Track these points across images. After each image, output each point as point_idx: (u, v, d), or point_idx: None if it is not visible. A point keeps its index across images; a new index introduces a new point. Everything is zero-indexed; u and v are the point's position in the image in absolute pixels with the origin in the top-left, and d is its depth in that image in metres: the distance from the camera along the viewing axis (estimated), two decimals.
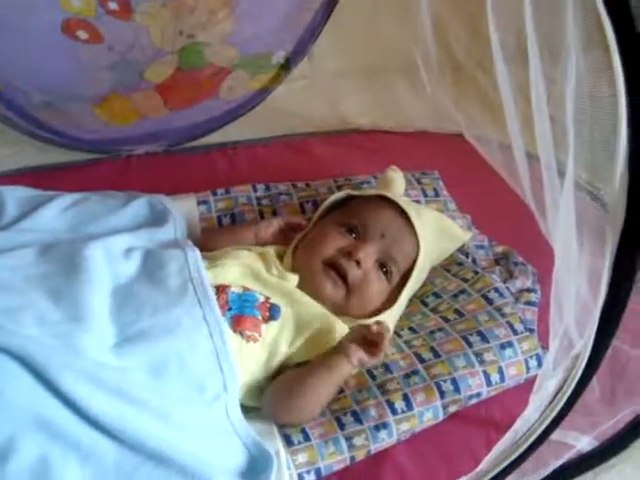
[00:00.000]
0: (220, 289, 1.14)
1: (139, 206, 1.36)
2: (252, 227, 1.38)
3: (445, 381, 1.17)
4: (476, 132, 1.61)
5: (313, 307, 1.20)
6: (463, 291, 1.34)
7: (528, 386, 1.01)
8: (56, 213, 1.28)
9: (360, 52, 1.87)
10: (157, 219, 1.34)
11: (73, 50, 1.41)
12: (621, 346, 1.01)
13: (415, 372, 1.19)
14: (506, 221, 1.52)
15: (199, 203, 1.50)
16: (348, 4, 1.65)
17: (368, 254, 1.24)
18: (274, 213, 1.50)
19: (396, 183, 1.43)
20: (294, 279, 1.23)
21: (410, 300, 1.34)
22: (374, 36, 1.79)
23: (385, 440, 1.11)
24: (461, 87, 1.75)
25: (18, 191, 1.32)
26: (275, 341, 1.14)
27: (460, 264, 1.41)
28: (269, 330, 1.14)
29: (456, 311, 1.30)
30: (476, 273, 1.37)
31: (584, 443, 1.06)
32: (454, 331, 1.25)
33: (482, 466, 1.00)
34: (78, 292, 1.04)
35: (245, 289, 1.17)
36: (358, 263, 1.23)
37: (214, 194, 1.52)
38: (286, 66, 1.70)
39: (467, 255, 1.44)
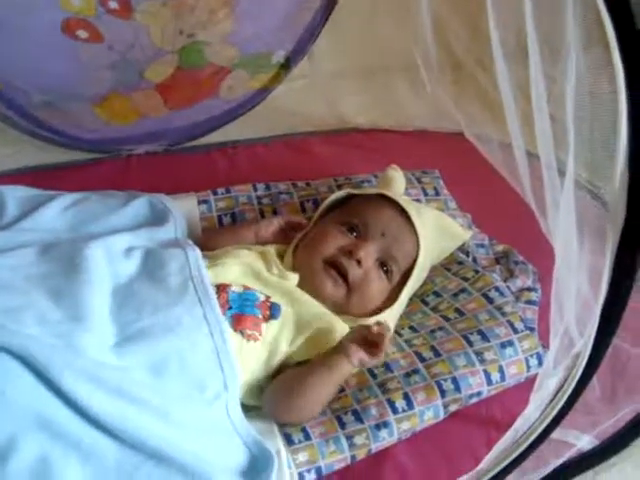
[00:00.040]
0: (221, 288, 1.14)
1: (139, 206, 1.36)
2: (252, 226, 1.38)
3: (446, 380, 1.17)
4: (476, 131, 1.61)
5: (313, 306, 1.20)
6: (463, 290, 1.34)
7: (529, 385, 1.01)
8: (56, 213, 1.28)
9: (360, 51, 1.87)
10: (157, 218, 1.34)
11: (73, 49, 1.41)
12: (622, 345, 1.01)
13: (416, 371, 1.19)
14: (506, 220, 1.52)
15: (199, 202, 1.50)
16: (348, 4, 1.65)
17: (369, 253, 1.24)
18: (274, 212, 1.50)
19: (396, 182, 1.43)
20: (294, 278, 1.23)
21: (410, 299, 1.34)
22: (374, 35, 1.79)
23: (386, 439, 1.11)
24: (461, 86, 1.75)
25: (18, 191, 1.32)
26: (275, 340, 1.14)
27: (460, 263, 1.41)
28: (269, 329, 1.14)
29: (456, 310, 1.30)
30: (476, 272, 1.37)
31: (585, 442, 1.06)
32: (454, 330, 1.25)
33: (483, 465, 1.00)
34: (78, 292, 1.04)
35: (246, 288, 1.17)
36: (359, 262, 1.23)
37: (214, 193, 1.52)
38: (286, 65, 1.70)
39: (467, 254, 1.44)
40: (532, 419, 0.93)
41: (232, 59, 1.59)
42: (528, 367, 1.21)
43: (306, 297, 1.20)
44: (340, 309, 1.23)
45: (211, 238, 1.37)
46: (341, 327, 1.19)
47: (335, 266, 1.23)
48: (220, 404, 1.02)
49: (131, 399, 0.93)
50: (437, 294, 1.36)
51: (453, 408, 1.17)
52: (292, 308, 1.18)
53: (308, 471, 1.06)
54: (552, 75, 0.94)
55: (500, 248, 1.49)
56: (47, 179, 1.53)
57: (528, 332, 1.24)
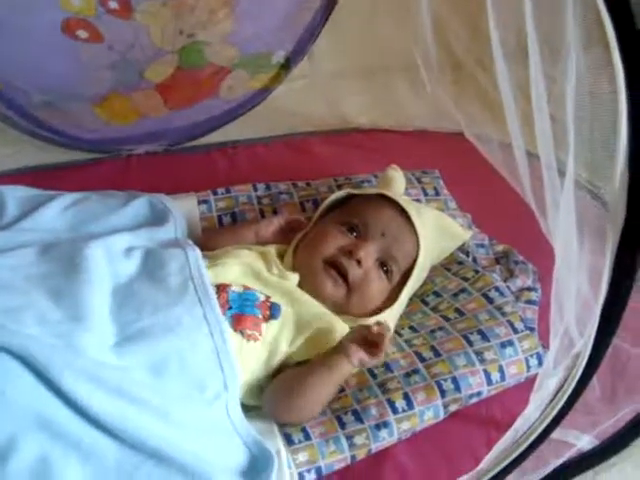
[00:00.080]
0: (221, 288, 1.14)
1: (139, 205, 1.36)
2: (253, 226, 1.38)
3: (446, 380, 1.17)
4: (476, 131, 1.61)
5: (313, 306, 1.20)
6: (463, 290, 1.34)
7: (529, 385, 1.01)
8: (56, 213, 1.28)
9: (360, 51, 1.87)
10: (157, 218, 1.34)
11: (73, 49, 1.41)
12: (622, 345, 1.01)
13: (416, 371, 1.19)
14: (506, 220, 1.52)
15: (199, 202, 1.50)
16: (348, 4, 1.65)
17: (369, 253, 1.24)
18: (275, 212, 1.50)
19: (396, 182, 1.43)
20: (294, 278, 1.23)
21: (410, 299, 1.34)
22: (374, 35, 1.79)
23: (386, 439, 1.11)
24: (461, 86, 1.75)
25: (18, 191, 1.32)
26: (275, 340, 1.14)
27: (460, 263, 1.41)
28: (269, 329, 1.14)
29: (456, 310, 1.30)
30: (476, 272, 1.37)
31: (585, 442, 1.06)
32: (454, 330, 1.25)
33: (483, 465, 1.00)
34: (78, 291, 1.04)
35: (246, 288, 1.17)
36: (359, 262, 1.23)
37: (214, 193, 1.52)
38: (286, 66, 1.70)
39: (467, 254, 1.44)
40: (532, 419, 0.93)
41: (232, 59, 1.59)
42: (528, 367, 1.21)
43: (306, 297, 1.20)
44: (340, 309, 1.23)
45: (211, 238, 1.37)
46: (341, 327, 1.19)
47: (335, 266, 1.23)
48: (220, 404, 1.02)
49: (131, 399, 0.93)
50: (437, 294, 1.36)
51: (453, 408, 1.17)
52: (292, 308, 1.18)
53: (308, 471, 1.06)
54: (552, 75, 0.94)
55: (500, 248, 1.49)
56: (47, 179, 1.53)
57: (528, 332, 1.24)
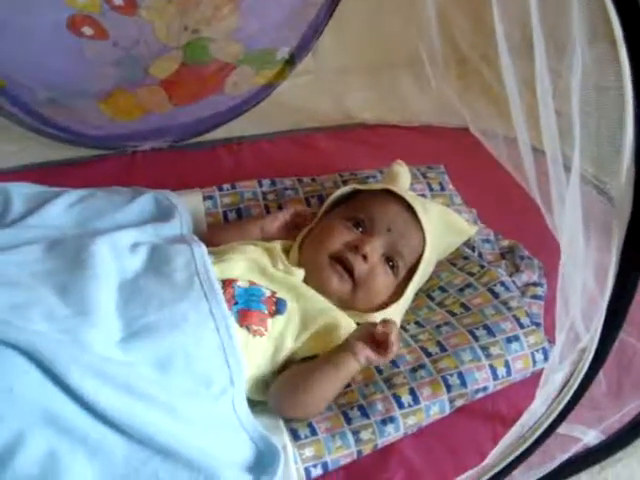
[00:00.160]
0: (226, 283, 1.14)
1: (145, 202, 1.36)
2: (258, 222, 1.38)
3: (452, 375, 1.17)
4: (481, 126, 1.61)
5: (319, 302, 1.20)
6: (469, 285, 1.34)
7: (534, 380, 1.01)
8: (62, 209, 1.28)
9: (364, 47, 1.87)
10: (163, 215, 1.34)
11: (78, 46, 1.42)
12: (628, 339, 1.01)
13: (422, 366, 1.19)
14: (512, 215, 1.52)
15: (205, 198, 1.50)
16: None
17: (374, 248, 1.24)
18: (280, 208, 1.50)
19: (402, 177, 1.43)
20: (300, 274, 1.23)
21: (416, 294, 1.34)
22: (378, 31, 1.79)
23: (392, 434, 1.11)
24: (466, 81, 1.75)
25: (24, 187, 1.32)
26: (281, 335, 1.14)
27: (466, 258, 1.41)
28: (275, 324, 1.14)
29: (462, 305, 1.30)
30: (482, 267, 1.37)
31: (591, 437, 1.06)
32: (460, 325, 1.25)
33: (488, 460, 1.00)
34: (85, 287, 1.04)
35: (251, 283, 1.17)
36: (365, 257, 1.23)
37: (220, 189, 1.52)
38: (291, 61, 1.70)
39: (473, 249, 1.44)
40: (538, 414, 0.93)
41: (237, 55, 1.59)
42: (534, 362, 1.21)
43: (312, 292, 1.21)
44: (346, 304, 1.23)
45: (216, 234, 1.37)
46: (347, 322, 1.19)
47: (341, 261, 1.23)
48: (226, 399, 1.03)
49: (138, 394, 0.93)
50: (443, 289, 1.36)
51: (459, 403, 1.17)
52: (298, 303, 1.18)
53: (314, 466, 1.06)
54: (558, 69, 0.94)
55: (506, 243, 1.49)
56: (52, 176, 1.54)
57: (534, 327, 1.24)
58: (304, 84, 1.83)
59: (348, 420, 1.12)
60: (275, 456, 1.00)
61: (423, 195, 1.53)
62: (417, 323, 1.29)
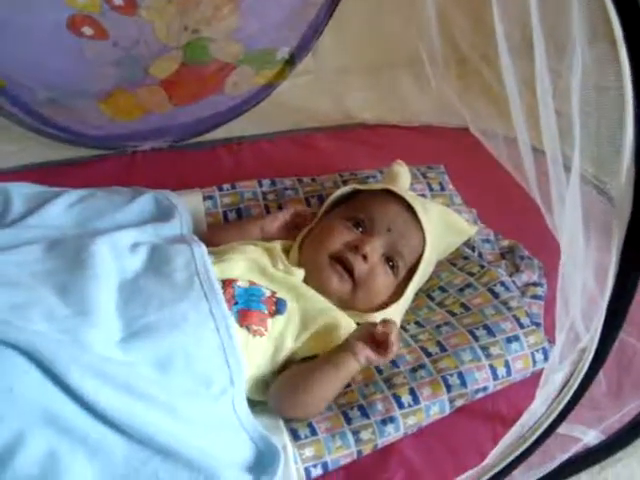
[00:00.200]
0: (226, 283, 1.14)
1: (145, 202, 1.36)
2: (258, 222, 1.38)
3: (452, 375, 1.17)
4: (481, 126, 1.61)
5: (319, 302, 1.20)
6: (469, 285, 1.34)
7: (534, 380, 1.01)
8: (62, 209, 1.28)
9: (364, 47, 1.87)
10: (163, 215, 1.34)
11: (78, 46, 1.42)
12: (628, 339, 1.01)
13: (422, 366, 1.19)
14: (512, 215, 1.52)
15: (205, 198, 1.50)
16: None
17: (374, 248, 1.24)
18: (280, 208, 1.50)
19: (402, 177, 1.43)
20: (300, 274, 1.23)
21: (416, 294, 1.34)
22: (378, 31, 1.79)
23: (392, 434, 1.11)
24: (466, 81, 1.75)
25: (24, 187, 1.32)
26: (281, 335, 1.14)
27: (466, 258, 1.41)
28: (275, 324, 1.14)
29: (462, 305, 1.30)
30: (482, 267, 1.37)
31: (591, 437, 1.06)
32: (460, 325, 1.25)
33: (488, 460, 1.00)
34: (85, 287, 1.04)
35: (251, 283, 1.17)
36: (365, 257, 1.23)
37: (220, 189, 1.52)
38: (291, 61, 1.70)
39: (473, 249, 1.44)
40: (538, 414, 0.93)
41: (237, 55, 1.59)
42: (534, 362, 1.21)
43: (312, 292, 1.21)
44: (346, 304, 1.23)
45: (216, 234, 1.37)
46: (347, 322, 1.19)
47: (341, 261, 1.23)
48: (226, 399, 1.03)
49: (138, 395, 0.93)
50: (443, 289, 1.36)
51: (459, 403, 1.17)
52: (298, 303, 1.18)
53: (314, 466, 1.06)
54: (558, 69, 0.94)
55: (506, 243, 1.49)
56: (52, 176, 1.54)
57: (534, 327, 1.24)
58: (304, 84, 1.83)
59: (348, 420, 1.12)
60: (275, 456, 1.00)
61: (423, 195, 1.53)
62: (417, 323, 1.29)
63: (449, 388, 1.16)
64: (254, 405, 1.09)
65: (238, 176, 1.59)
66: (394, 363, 1.20)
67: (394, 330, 1.11)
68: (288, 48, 1.67)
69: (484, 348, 1.20)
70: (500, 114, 1.41)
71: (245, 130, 1.80)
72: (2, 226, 1.21)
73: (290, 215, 1.40)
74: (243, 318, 1.11)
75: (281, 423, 1.10)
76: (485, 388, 1.18)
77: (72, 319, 0.98)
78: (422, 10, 1.59)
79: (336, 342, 1.16)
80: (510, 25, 1.11)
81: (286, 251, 1.30)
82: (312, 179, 1.59)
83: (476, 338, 1.22)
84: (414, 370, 1.19)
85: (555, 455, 1.01)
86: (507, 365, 1.19)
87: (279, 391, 1.12)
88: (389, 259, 1.26)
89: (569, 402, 0.90)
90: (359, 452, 1.09)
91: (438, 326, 1.27)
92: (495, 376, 1.18)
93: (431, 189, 1.57)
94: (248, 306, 1.13)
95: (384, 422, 1.11)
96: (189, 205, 1.41)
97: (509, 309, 1.26)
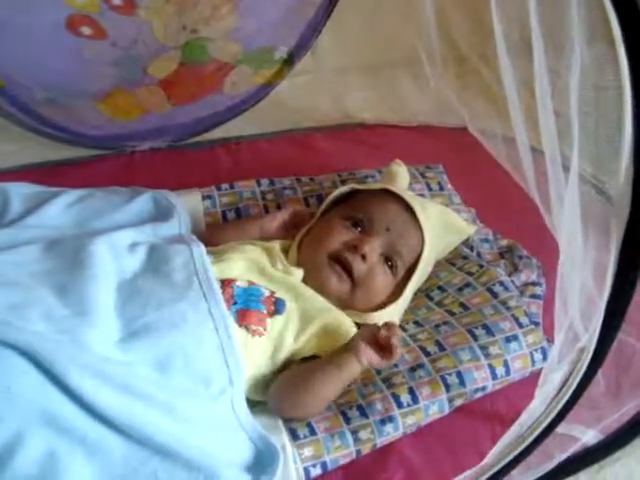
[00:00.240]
0: (225, 283, 1.14)
1: (143, 202, 1.36)
2: (257, 221, 1.38)
3: (450, 374, 1.17)
4: (480, 126, 1.61)
5: (318, 302, 1.20)
6: (468, 285, 1.34)
7: (533, 379, 1.01)
8: (61, 209, 1.28)
9: (363, 46, 1.87)
10: (162, 214, 1.34)
11: (77, 46, 1.42)
12: (627, 339, 1.01)
13: (420, 366, 1.19)
14: (511, 214, 1.52)
15: (204, 198, 1.50)
16: None
17: (373, 248, 1.24)
18: (278, 207, 1.49)
19: (400, 177, 1.43)
20: (299, 273, 1.23)
21: (415, 294, 1.34)
22: (377, 30, 1.79)
23: (391, 434, 1.11)
24: (465, 80, 1.75)
25: (23, 187, 1.32)
26: (280, 335, 1.14)
27: (465, 258, 1.41)
28: (274, 324, 1.14)
29: (461, 305, 1.30)
30: (481, 267, 1.37)
31: (589, 436, 1.06)
32: (459, 325, 1.25)
33: (487, 459, 1.00)
34: (83, 287, 1.04)
35: (250, 283, 1.17)
36: (363, 257, 1.23)
37: (218, 189, 1.52)
38: (289, 61, 1.70)
39: (472, 249, 1.44)
40: (537, 413, 0.93)
41: (235, 55, 1.59)
42: (533, 361, 1.21)
43: (311, 292, 1.21)
44: (345, 304, 1.23)
45: (215, 233, 1.37)
46: (346, 323, 1.19)
47: (340, 261, 1.23)
48: (225, 399, 1.03)
49: (137, 395, 0.93)
50: (442, 289, 1.36)
51: (458, 403, 1.17)
52: (297, 303, 1.18)
53: (313, 466, 1.06)
54: (556, 69, 0.94)
55: (504, 243, 1.49)
56: (51, 176, 1.54)
57: (533, 326, 1.24)
58: (303, 84, 1.83)
59: (347, 420, 1.12)
60: (274, 456, 1.00)
61: (422, 195, 1.53)
62: (416, 323, 1.30)
63: (448, 388, 1.16)
64: (253, 405, 1.09)
65: (237, 176, 1.59)
66: None
67: (397, 333, 1.11)
68: (287, 48, 1.67)
69: (483, 348, 1.20)
70: (499, 114, 1.41)
71: (244, 130, 1.80)
72: (1, 226, 1.21)
73: (289, 215, 1.40)
74: (242, 318, 1.11)
75: (280, 423, 1.10)
76: (484, 388, 1.18)
77: (71, 319, 0.98)
78: (421, 10, 1.59)
79: (335, 342, 1.16)
80: (509, 25, 1.11)
81: (285, 251, 1.30)
82: (311, 179, 1.59)
83: (475, 338, 1.22)
84: (413, 370, 1.19)
85: (554, 454, 1.01)
86: (506, 365, 1.19)
87: (279, 391, 1.12)
88: (388, 259, 1.26)
89: (568, 402, 0.90)
90: (358, 452, 1.09)
91: (437, 326, 1.27)
92: (494, 376, 1.18)
93: (430, 189, 1.57)
94: (247, 306, 1.13)
95: (383, 422, 1.11)
96: (188, 205, 1.41)
97: (508, 309, 1.26)
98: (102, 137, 1.69)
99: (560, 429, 0.94)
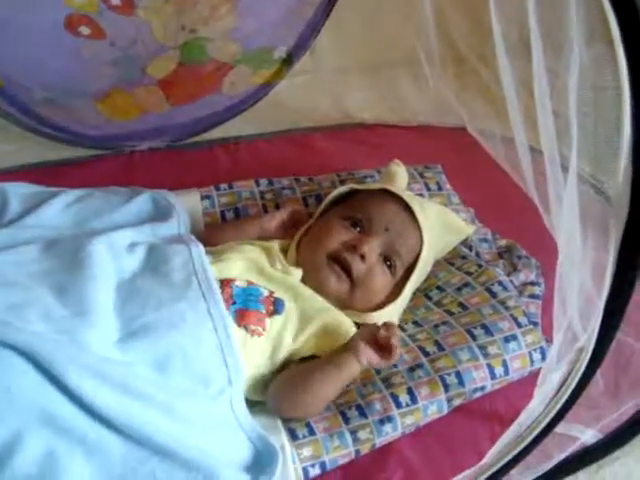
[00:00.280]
0: (224, 283, 1.14)
1: (142, 202, 1.36)
2: (256, 221, 1.38)
3: (449, 374, 1.17)
4: (479, 126, 1.61)
5: (317, 302, 1.20)
6: (467, 284, 1.34)
7: (532, 379, 1.01)
8: (60, 209, 1.28)
9: (362, 46, 1.87)
10: (161, 214, 1.34)
11: (75, 46, 1.42)
12: (625, 339, 1.01)
13: (419, 366, 1.19)
14: (509, 214, 1.52)
15: (202, 198, 1.50)
16: None
17: (372, 248, 1.24)
18: (277, 207, 1.50)
19: (399, 177, 1.43)
20: (298, 273, 1.23)
21: (414, 294, 1.34)
22: (376, 30, 1.79)
23: (390, 434, 1.11)
24: (464, 80, 1.75)
25: (21, 187, 1.32)
26: (279, 335, 1.14)
27: (464, 257, 1.41)
28: (273, 324, 1.14)
29: (460, 304, 1.30)
30: (480, 266, 1.37)
31: (588, 436, 1.06)
32: (458, 324, 1.25)
33: (486, 459, 1.00)
34: (83, 287, 1.04)
35: (249, 283, 1.17)
36: (362, 257, 1.23)
37: (217, 189, 1.52)
38: (288, 61, 1.70)
39: (471, 248, 1.44)
40: (536, 413, 0.93)
41: (234, 55, 1.59)
42: (532, 361, 1.21)
43: (310, 292, 1.21)
44: (343, 304, 1.23)
45: (214, 233, 1.37)
46: (345, 323, 1.20)
47: (339, 261, 1.23)
48: (224, 399, 1.03)
49: (136, 395, 0.93)
50: (440, 289, 1.36)
51: (457, 402, 1.17)
52: (295, 303, 1.18)
53: (312, 466, 1.06)
54: (555, 69, 0.94)
55: (503, 242, 1.49)
56: (50, 176, 1.54)
57: (531, 326, 1.24)
58: (302, 84, 1.83)
59: (346, 420, 1.12)
60: (273, 456, 1.00)
61: (421, 195, 1.53)
62: (415, 322, 1.30)
63: (447, 387, 1.16)
64: (252, 405, 1.09)
65: (235, 176, 1.59)
66: None
67: (396, 333, 1.11)
68: (285, 47, 1.67)
69: (482, 347, 1.20)
70: (498, 114, 1.41)
71: (243, 130, 1.80)
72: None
73: (288, 214, 1.40)
74: (241, 318, 1.11)
75: (279, 423, 1.10)
76: (483, 387, 1.18)
77: (70, 319, 0.98)
78: (420, 10, 1.59)
79: (335, 342, 1.16)
80: (508, 25, 1.11)
81: (284, 251, 1.30)
82: (309, 179, 1.59)
83: (474, 337, 1.22)
84: (412, 369, 1.19)
85: (553, 454, 1.01)
86: (505, 364, 1.19)
87: (278, 391, 1.12)
88: (387, 259, 1.26)
89: (567, 401, 0.90)
90: (357, 452, 1.09)
91: (436, 325, 1.27)
92: (493, 375, 1.18)
93: (428, 189, 1.57)
94: (246, 306, 1.13)
95: (382, 422, 1.11)
96: (187, 205, 1.41)
97: (507, 308, 1.27)
98: (101, 137, 1.69)
99: (559, 429, 0.94)
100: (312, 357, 1.17)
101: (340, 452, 1.08)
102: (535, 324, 1.26)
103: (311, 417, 1.11)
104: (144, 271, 1.14)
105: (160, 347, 1.01)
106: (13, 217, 1.24)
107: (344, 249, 1.24)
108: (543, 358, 1.21)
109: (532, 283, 1.37)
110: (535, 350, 1.22)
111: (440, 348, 1.22)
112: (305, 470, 1.05)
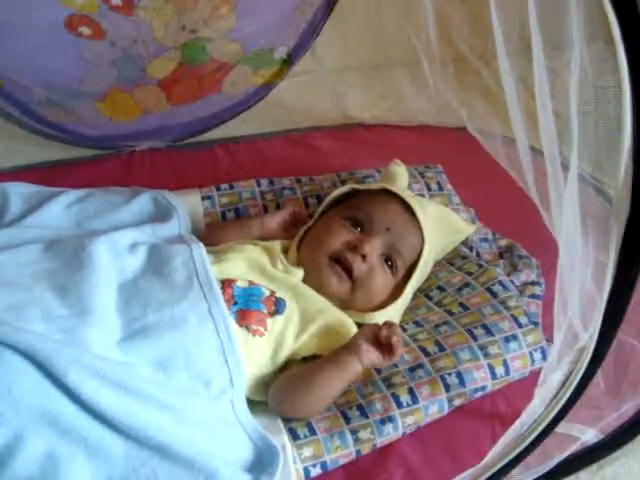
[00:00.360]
0: (226, 283, 1.14)
1: (143, 202, 1.36)
2: (256, 221, 1.38)
3: (450, 374, 1.17)
4: (479, 126, 1.61)
5: (318, 302, 1.20)
6: (467, 284, 1.34)
7: (533, 379, 1.01)
8: (61, 209, 1.28)
9: (363, 47, 1.87)
10: (161, 215, 1.34)
11: (76, 46, 1.42)
12: (626, 339, 1.01)
13: (420, 366, 1.19)
14: (510, 214, 1.52)
15: (203, 198, 1.50)
16: None
17: (373, 248, 1.24)
18: (278, 207, 1.50)
19: (400, 177, 1.43)
20: (299, 273, 1.23)
21: (415, 294, 1.34)
22: (377, 30, 1.79)
23: (390, 434, 1.11)
24: (464, 80, 1.75)
25: (22, 187, 1.32)
26: (281, 335, 1.14)
27: (464, 257, 1.41)
28: (275, 324, 1.14)
29: (461, 304, 1.30)
30: (480, 266, 1.37)
31: (589, 436, 1.06)
32: (459, 324, 1.25)
33: (487, 459, 1.00)
34: (83, 288, 1.04)
35: (251, 283, 1.17)
36: (363, 257, 1.23)
37: (218, 189, 1.52)
38: (289, 61, 1.70)
39: (471, 248, 1.44)
40: (537, 413, 0.93)
41: (235, 55, 1.59)
42: (532, 361, 1.21)
43: (311, 292, 1.21)
44: (345, 304, 1.23)
45: (215, 233, 1.37)
46: (346, 323, 1.19)
47: (340, 261, 1.23)
48: (226, 399, 1.03)
49: (137, 395, 0.93)
50: (441, 289, 1.36)
51: (457, 402, 1.17)
52: (297, 303, 1.18)
53: (313, 466, 1.06)
54: (555, 69, 0.94)
55: (504, 242, 1.49)
56: (51, 176, 1.54)
57: (532, 326, 1.24)
58: (302, 84, 1.84)
59: (347, 420, 1.12)
60: (274, 456, 1.00)
61: (421, 194, 1.53)
62: (416, 323, 1.30)
63: (447, 387, 1.16)
64: (253, 405, 1.09)
65: (236, 176, 1.59)
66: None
67: (398, 333, 1.11)
68: (286, 48, 1.67)
69: (482, 347, 1.20)
70: (498, 114, 1.41)
71: (243, 130, 1.80)
72: (0, 226, 1.21)
73: (288, 214, 1.40)
74: (242, 318, 1.11)
75: (280, 423, 1.10)
76: (483, 387, 1.18)
77: (71, 319, 0.98)
78: (420, 10, 1.59)
79: (336, 342, 1.16)
80: (508, 25, 1.11)
81: (285, 251, 1.30)
82: (310, 179, 1.59)
83: (474, 337, 1.22)
84: (413, 370, 1.19)
85: (554, 454, 1.02)
86: (505, 364, 1.19)
87: (279, 391, 1.12)
88: (388, 259, 1.26)
89: (567, 401, 0.90)
90: (358, 452, 1.09)
91: (436, 325, 1.27)
92: (493, 375, 1.18)
93: (429, 189, 1.57)
94: (247, 306, 1.13)
95: (383, 422, 1.11)
96: (187, 205, 1.41)
97: (507, 308, 1.26)
98: (101, 137, 1.69)
99: (560, 428, 0.94)
100: (313, 357, 1.17)
101: (341, 452, 1.08)
102: (536, 324, 1.26)
103: (312, 417, 1.11)
104: (145, 271, 1.14)
105: (161, 347, 1.01)
106: (14, 217, 1.24)
107: (345, 249, 1.23)
108: (544, 358, 1.21)
109: (532, 283, 1.37)
110: (536, 350, 1.22)
111: (441, 348, 1.21)
112: (306, 470, 1.05)
